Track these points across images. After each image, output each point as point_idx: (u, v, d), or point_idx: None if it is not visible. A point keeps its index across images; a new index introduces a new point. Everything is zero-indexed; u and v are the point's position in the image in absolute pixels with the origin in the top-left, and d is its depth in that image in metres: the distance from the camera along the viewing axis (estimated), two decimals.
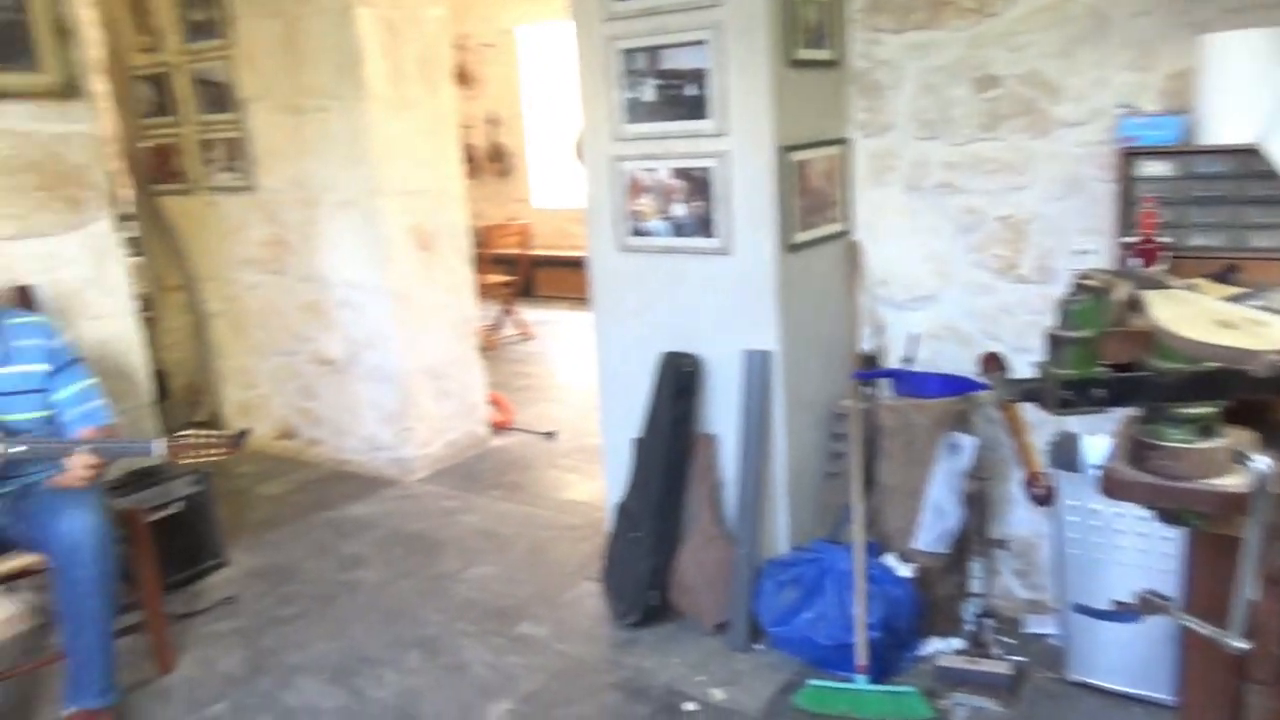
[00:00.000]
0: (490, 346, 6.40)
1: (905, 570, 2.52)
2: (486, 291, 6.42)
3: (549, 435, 4.63)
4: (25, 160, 2.96)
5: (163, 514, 3.13)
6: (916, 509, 2.58)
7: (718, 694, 2.46)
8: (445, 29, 4.18)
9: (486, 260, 6.56)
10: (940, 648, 2.54)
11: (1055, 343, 1.19)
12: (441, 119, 4.16)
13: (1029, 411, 2.29)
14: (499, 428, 4.69)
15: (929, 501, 2.56)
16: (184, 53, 4.38)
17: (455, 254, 4.29)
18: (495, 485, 4.04)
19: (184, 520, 3.22)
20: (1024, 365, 2.29)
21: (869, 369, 2.82)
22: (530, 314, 7.43)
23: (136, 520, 2.62)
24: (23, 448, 2.23)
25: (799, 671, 2.51)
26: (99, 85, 3.90)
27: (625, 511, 2.86)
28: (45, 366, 2.43)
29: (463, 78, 7.97)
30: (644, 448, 2.81)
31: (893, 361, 2.84)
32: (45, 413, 2.43)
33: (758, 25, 2.44)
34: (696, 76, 2.55)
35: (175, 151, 4.61)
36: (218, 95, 4.31)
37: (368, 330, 4.12)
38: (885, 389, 2.80)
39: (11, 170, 2.93)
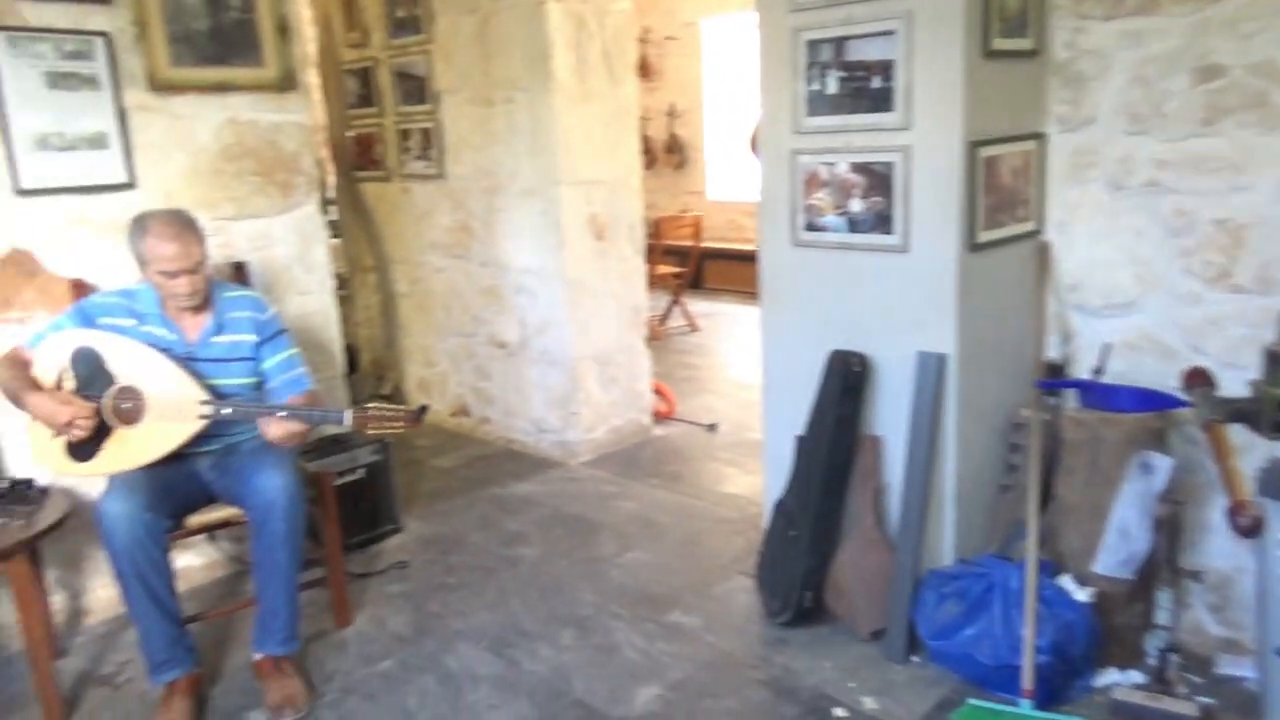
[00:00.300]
0: (657, 336, 6.47)
1: (1082, 594, 2.36)
2: (656, 282, 6.49)
3: (710, 427, 4.63)
4: (245, 147, 3.23)
5: (347, 479, 3.35)
6: (1099, 530, 2.40)
7: (869, 702, 2.39)
8: (630, 23, 4.24)
9: (658, 251, 6.63)
10: (1117, 679, 2.36)
11: (1275, 361, 1.07)
12: (622, 111, 4.23)
13: (1237, 434, 2.09)
14: (661, 417, 4.74)
15: (1114, 523, 2.38)
16: (387, 48, 4.66)
17: (629, 244, 4.36)
18: (654, 474, 4.08)
19: (365, 486, 3.44)
20: (1234, 383, 2.10)
21: (1053, 378, 2.65)
22: (698, 306, 7.45)
23: (324, 483, 2.81)
24: (229, 410, 2.44)
25: (957, 688, 2.40)
26: (311, 78, 4.21)
27: (783, 509, 2.82)
28: (254, 337, 2.63)
29: (644, 70, 8.10)
30: (806, 446, 2.76)
31: (1081, 372, 2.66)
32: (252, 379, 2.65)
33: (952, 14, 2.33)
34: (883, 68, 2.47)
35: (376, 140, 4.91)
36: (415, 88, 4.56)
37: (541, 315, 4.25)
38: (1070, 400, 2.62)
39: (234, 156, 3.21)
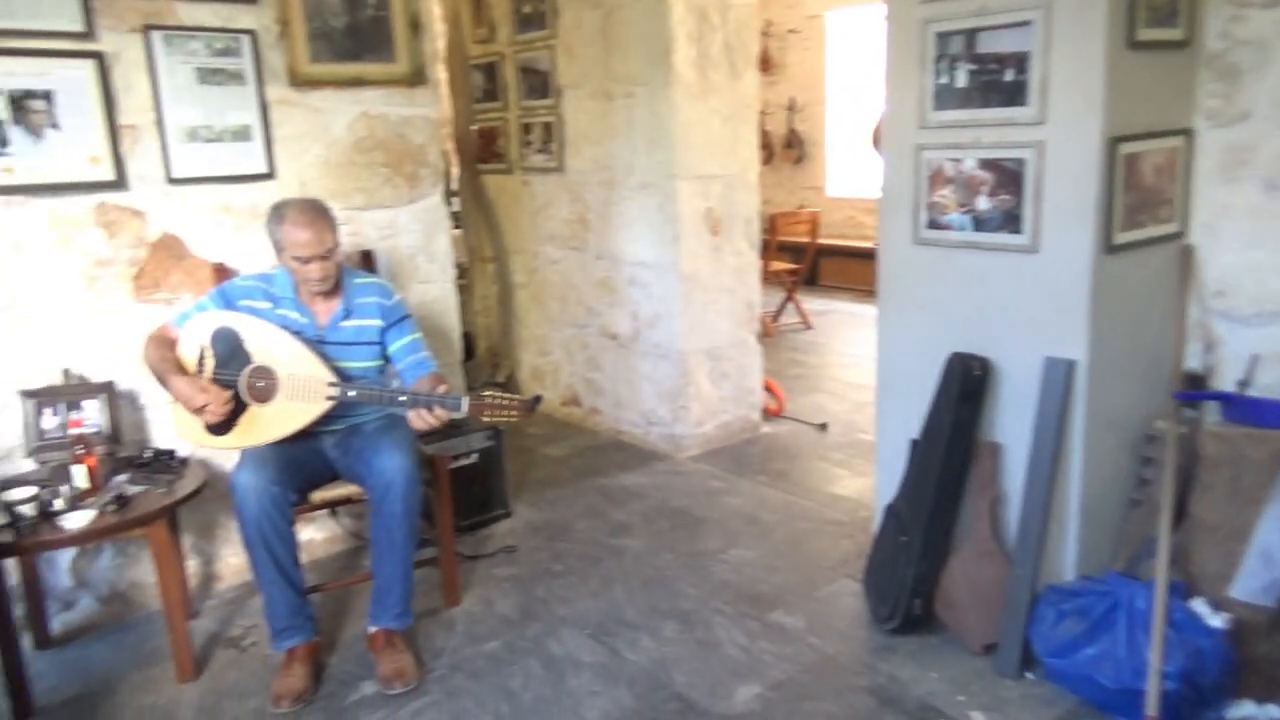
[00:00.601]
0: (769, 333, 6.41)
1: (1217, 619, 2.21)
2: (771, 278, 6.43)
3: (821, 427, 4.56)
4: (376, 140, 3.36)
5: (461, 463, 3.45)
6: (1238, 553, 2.25)
7: (979, 717, 2.31)
8: (753, 16, 4.20)
9: (773, 247, 6.56)
10: (1253, 713, 2.21)
11: None
12: (742, 105, 4.20)
13: None
14: (771, 414, 4.69)
15: (1256, 546, 2.23)
16: (513, 43, 4.76)
17: (744, 239, 4.33)
18: (762, 471, 4.05)
19: (478, 471, 3.53)
20: None
21: (1193, 389, 2.50)
22: (812, 303, 7.35)
23: (440, 466, 2.90)
24: (354, 393, 2.54)
25: (1074, 710, 2.30)
26: (440, 74, 4.34)
27: (894, 513, 2.76)
28: (380, 322, 2.74)
29: (765, 64, 8.02)
30: (921, 450, 2.68)
31: (1224, 384, 2.50)
32: (377, 363, 2.75)
33: (1095, 4, 2.21)
34: (1017, 60, 2.38)
35: (499, 134, 5.02)
36: (538, 83, 4.64)
37: (654, 309, 4.27)
38: (1211, 414, 2.47)
39: (365, 149, 3.34)
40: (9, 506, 2.31)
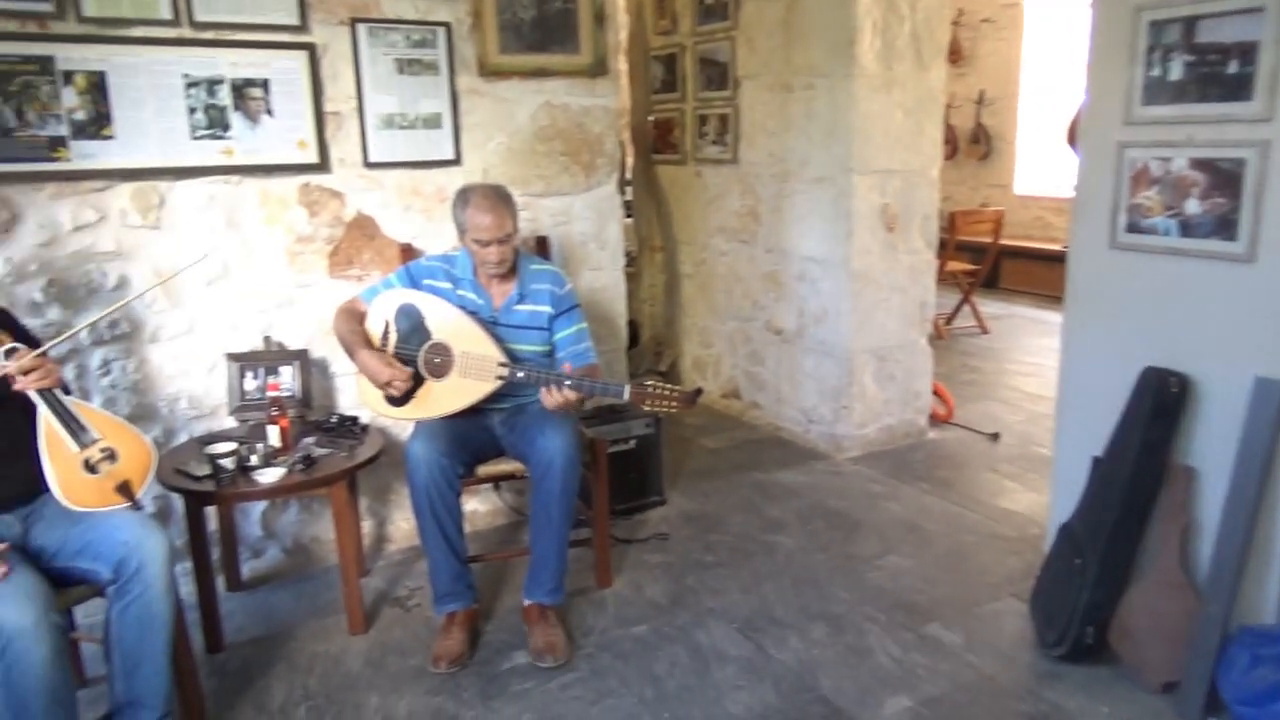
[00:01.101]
0: (941, 335, 6.17)
1: None
2: (946, 278, 6.18)
3: (992, 437, 4.34)
4: (556, 129, 3.45)
5: (620, 448, 3.51)
6: None
7: None
8: (944, 5, 4.04)
9: (951, 246, 6.29)
10: None
11: None
12: (927, 98, 4.04)
13: None
14: (938, 420, 4.52)
15: None
16: (694, 34, 4.77)
17: (920, 237, 4.18)
18: (925, 478, 3.90)
19: (635, 457, 3.58)
20: None
21: None
22: (989, 306, 7.01)
23: (599, 449, 2.95)
24: (522, 374, 2.62)
25: None
26: (620, 65, 4.40)
27: (1070, 534, 2.59)
28: (550, 309, 2.82)
29: (954, 55, 7.67)
30: (1105, 469, 2.51)
31: None
32: (545, 347, 2.83)
33: None
34: (1242, 51, 2.17)
35: (674, 125, 5.05)
36: (717, 74, 4.63)
37: (821, 305, 4.18)
38: None
39: (546, 138, 3.44)
40: (213, 459, 2.53)
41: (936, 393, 4.54)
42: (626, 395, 2.47)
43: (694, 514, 3.61)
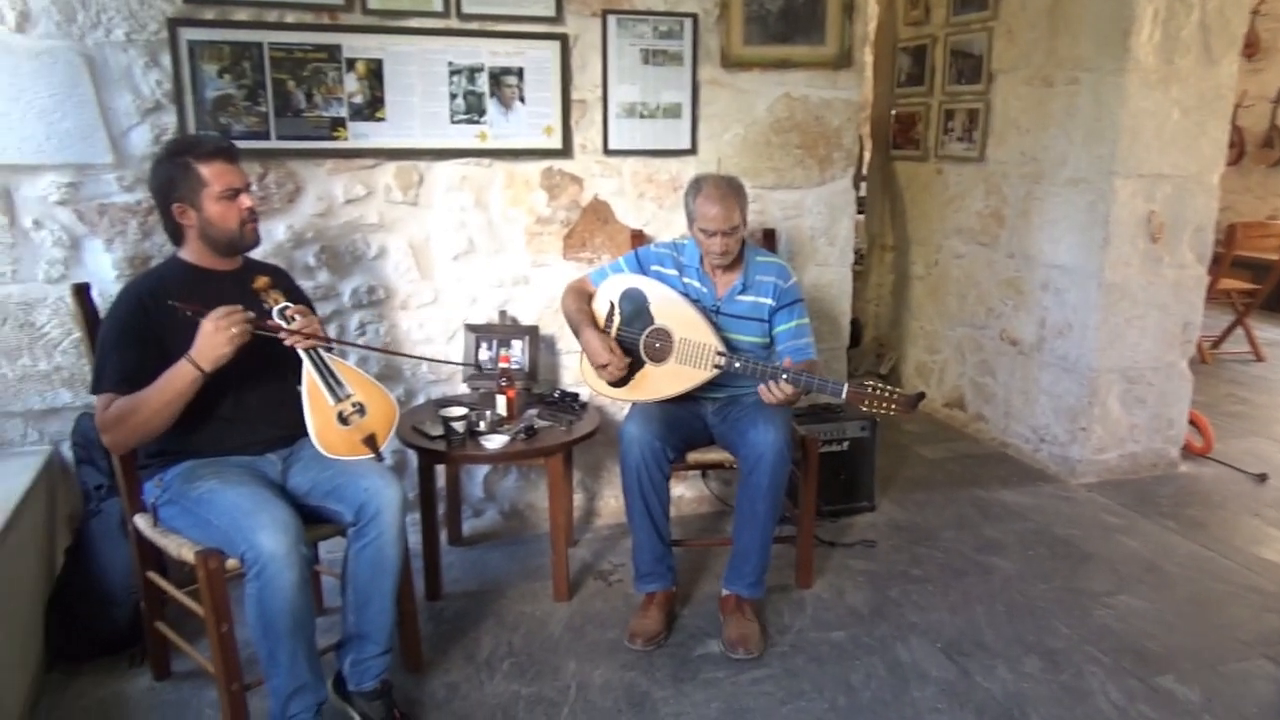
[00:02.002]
0: (1205, 360, 5.58)
1: None
2: (1218, 297, 5.57)
3: (1258, 478, 3.88)
4: (794, 121, 3.41)
5: (832, 448, 3.44)
6: None
7: None
8: None
9: (1227, 261, 5.63)
10: None
11: None
12: (1213, 95, 3.65)
13: None
14: (1193, 453, 4.09)
15: None
16: (948, 25, 4.56)
17: (1191, 250, 3.79)
18: (1171, 515, 3.54)
19: (847, 459, 3.50)
20: None
21: None
22: (1268, 332, 6.25)
23: (810, 447, 2.91)
24: (739, 364, 2.63)
25: None
26: (866, 56, 4.28)
27: None
28: (772, 301, 2.80)
29: (1249, 48, 6.85)
30: None
31: None
32: (763, 339, 2.83)
33: None
34: None
35: (918, 119, 4.86)
36: (970, 67, 4.40)
37: (1065, 317, 3.89)
38: None
39: (782, 130, 3.41)
40: (446, 421, 2.73)
41: (1193, 422, 4.10)
42: (844, 395, 2.42)
43: (904, 524, 3.48)
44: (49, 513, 2.68)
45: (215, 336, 2.02)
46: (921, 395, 2.44)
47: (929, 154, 4.78)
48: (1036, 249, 4.04)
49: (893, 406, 2.38)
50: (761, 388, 2.51)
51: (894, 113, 5.09)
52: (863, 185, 5.35)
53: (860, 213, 5.12)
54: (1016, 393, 4.22)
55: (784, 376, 2.48)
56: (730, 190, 2.69)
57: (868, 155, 5.50)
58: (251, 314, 2.08)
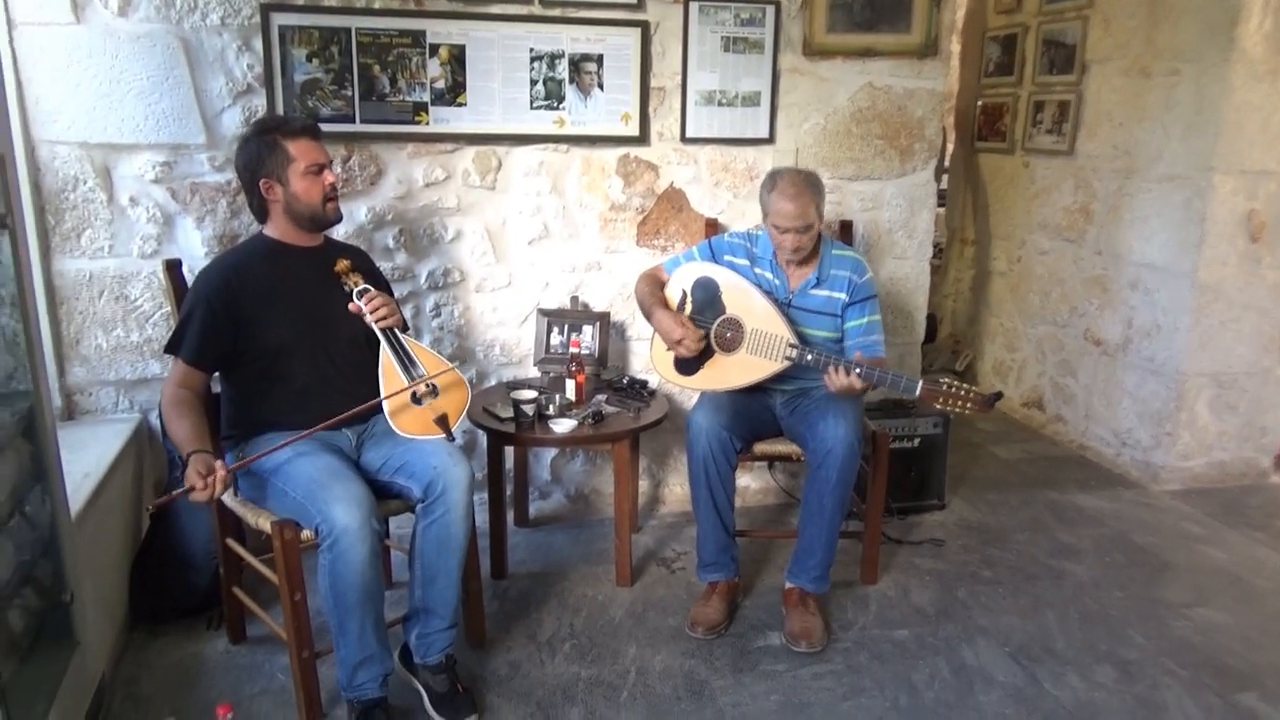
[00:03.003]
0: None
1: None
2: None
3: None
4: (875, 111, 3.35)
5: (903, 445, 3.39)
6: None
7: None
8: None
9: None
10: None
11: None
12: None
13: None
14: None
15: None
16: (1040, 13, 4.41)
17: None
18: (1261, 527, 3.40)
19: (918, 456, 3.44)
20: None
21: None
22: None
23: (880, 443, 2.86)
24: (811, 357, 2.60)
25: None
26: (952, 45, 4.17)
27: None
28: (846, 296, 2.76)
29: None
30: None
31: None
32: (835, 333, 2.78)
33: None
34: None
35: (1005, 111, 4.72)
36: (1062, 56, 4.26)
37: (1154, 318, 3.75)
38: None
39: (863, 120, 3.35)
40: (516, 404, 2.76)
41: None
42: (918, 391, 2.38)
43: (974, 524, 3.40)
44: (136, 478, 2.80)
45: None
46: (999, 395, 2.39)
47: (1015, 146, 4.64)
48: (1126, 246, 3.90)
49: (968, 405, 2.34)
50: (829, 373, 2.48)
51: (980, 103, 4.96)
52: (944, 178, 5.23)
53: (941, 206, 5.00)
54: (1098, 394, 4.09)
55: (856, 371, 2.45)
56: (806, 187, 2.65)
57: (951, 147, 5.37)
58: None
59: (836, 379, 2.46)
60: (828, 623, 2.70)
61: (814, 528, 2.65)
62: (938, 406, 2.38)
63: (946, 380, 2.37)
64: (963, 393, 2.34)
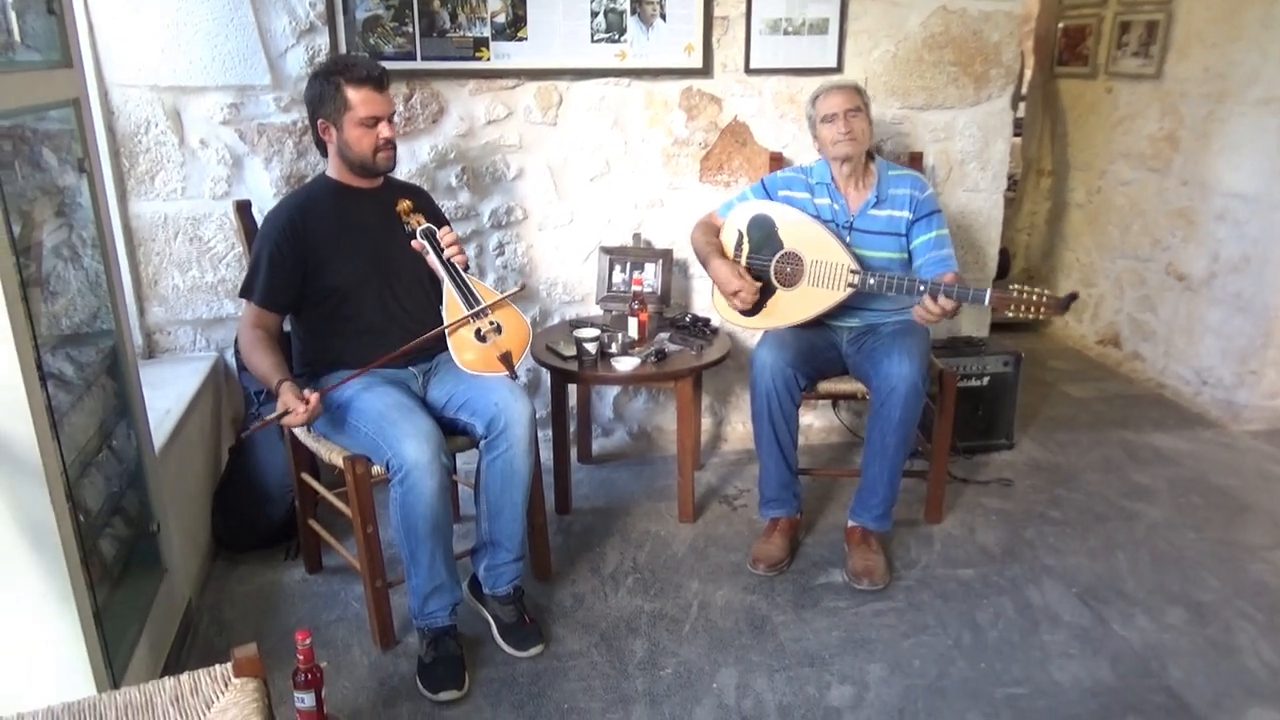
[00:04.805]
0: None
1: None
2: None
3: None
4: (949, 36, 3.21)
5: (971, 383, 3.32)
6: None
7: None
8: None
9: None
10: None
11: None
12: None
13: None
14: None
15: None
16: None
17: None
18: None
19: (987, 394, 3.37)
20: None
21: None
22: None
23: (947, 382, 2.81)
24: (874, 281, 2.55)
25: None
26: None
27: None
28: (908, 214, 2.70)
29: None
30: None
31: None
32: (901, 254, 2.72)
33: None
34: None
35: (1088, 33, 4.49)
36: None
37: (1242, 251, 3.58)
38: None
39: (936, 46, 3.22)
40: (579, 342, 2.77)
41: None
42: (988, 300, 2.36)
43: (1044, 464, 3.34)
44: (215, 414, 2.91)
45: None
46: (1074, 296, 2.36)
47: (1098, 71, 4.42)
48: (1214, 176, 3.71)
49: (1041, 310, 2.32)
50: (916, 309, 2.46)
51: (1061, 26, 4.72)
52: (1021, 106, 5.01)
53: (1017, 135, 4.82)
54: (1179, 331, 3.94)
55: (921, 287, 2.42)
56: (849, 83, 2.72)
57: (1029, 73, 5.14)
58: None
59: (927, 312, 2.44)
60: (890, 561, 2.69)
61: (876, 466, 2.63)
62: (1010, 314, 2.37)
63: (1016, 286, 2.35)
64: (1034, 297, 2.32)
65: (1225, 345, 3.69)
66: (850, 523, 2.73)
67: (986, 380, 3.35)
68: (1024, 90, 5.10)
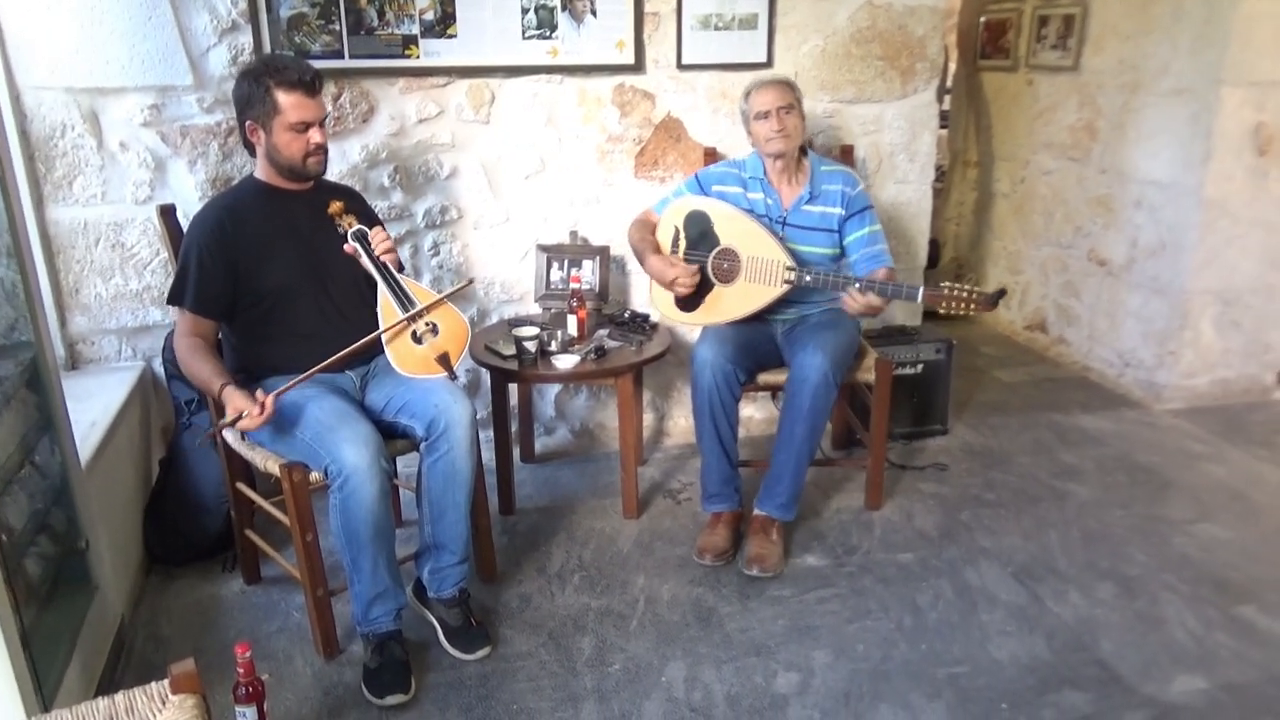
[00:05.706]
0: None
1: None
2: None
3: None
4: (876, 31, 3.27)
5: (905, 371, 3.39)
6: None
7: None
8: None
9: None
10: None
11: None
12: None
13: None
14: None
15: None
16: None
17: None
18: (1263, 443, 3.42)
19: (921, 382, 3.44)
20: None
21: None
22: None
23: (883, 370, 2.86)
24: (810, 277, 2.59)
25: None
26: None
27: None
28: (841, 210, 2.74)
29: None
30: None
31: None
32: (833, 250, 2.77)
33: None
34: None
35: (1009, 27, 4.61)
36: None
37: (1158, 236, 3.72)
38: None
39: (863, 40, 3.27)
40: (518, 341, 2.76)
41: None
42: (920, 297, 2.40)
43: (977, 448, 3.43)
44: (144, 425, 2.82)
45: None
46: (1002, 292, 2.41)
47: (1019, 63, 4.55)
48: (1131, 164, 3.84)
49: (972, 306, 2.37)
50: (845, 298, 2.50)
51: (983, 20, 4.84)
52: (946, 99, 5.13)
53: (943, 128, 4.92)
54: (1102, 315, 4.07)
55: (856, 285, 2.46)
56: (779, 79, 2.74)
57: (953, 66, 5.26)
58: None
59: (854, 302, 2.48)
60: (788, 550, 2.71)
61: (784, 455, 2.66)
62: (942, 311, 2.41)
63: (947, 284, 2.40)
64: (965, 294, 2.37)
65: (1145, 328, 3.82)
66: (757, 510, 2.75)
67: (920, 368, 3.43)
68: (949, 83, 5.22)
